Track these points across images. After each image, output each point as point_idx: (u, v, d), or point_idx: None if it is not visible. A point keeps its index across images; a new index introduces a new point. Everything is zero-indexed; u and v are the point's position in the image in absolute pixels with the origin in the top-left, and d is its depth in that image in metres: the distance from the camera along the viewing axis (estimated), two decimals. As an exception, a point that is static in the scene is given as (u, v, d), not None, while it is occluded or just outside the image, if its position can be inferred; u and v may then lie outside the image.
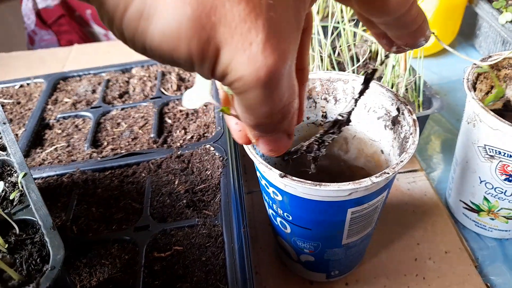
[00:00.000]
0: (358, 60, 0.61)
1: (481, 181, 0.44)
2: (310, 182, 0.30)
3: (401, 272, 0.46)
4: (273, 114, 0.20)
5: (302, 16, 0.20)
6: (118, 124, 0.58)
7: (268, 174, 0.33)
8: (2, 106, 0.64)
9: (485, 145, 0.41)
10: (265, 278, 0.46)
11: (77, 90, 0.66)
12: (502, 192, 0.43)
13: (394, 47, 0.29)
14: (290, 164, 0.35)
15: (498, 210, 0.45)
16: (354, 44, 0.62)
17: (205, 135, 0.54)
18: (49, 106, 0.63)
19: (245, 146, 0.32)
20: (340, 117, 0.32)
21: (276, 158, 0.35)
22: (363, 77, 0.34)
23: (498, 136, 0.39)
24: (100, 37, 1.32)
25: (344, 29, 0.57)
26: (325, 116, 0.43)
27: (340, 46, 0.59)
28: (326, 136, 0.32)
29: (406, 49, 0.29)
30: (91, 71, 0.70)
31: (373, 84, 0.38)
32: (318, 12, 0.67)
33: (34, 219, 0.31)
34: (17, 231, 0.31)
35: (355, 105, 0.32)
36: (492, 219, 0.47)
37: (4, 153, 0.36)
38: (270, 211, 0.40)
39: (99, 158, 0.52)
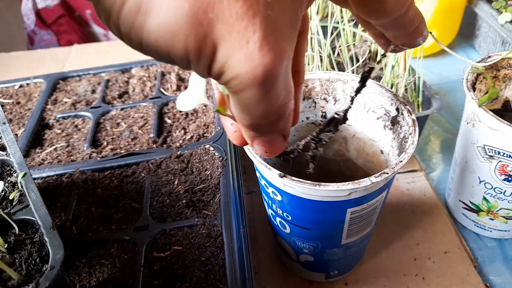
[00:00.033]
0: (357, 60, 0.62)
1: (480, 181, 0.44)
2: (309, 182, 0.30)
3: (400, 272, 0.46)
4: (269, 114, 0.20)
5: (299, 17, 0.20)
6: (118, 124, 0.58)
7: (268, 174, 0.33)
8: (2, 106, 0.64)
9: (484, 145, 0.41)
10: (264, 278, 0.46)
11: (77, 90, 0.66)
12: (501, 192, 0.43)
13: (392, 46, 0.29)
14: (290, 164, 0.35)
15: (498, 210, 0.45)
16: (354, 44, 0.62)
17: (205, 135, 0.54)
18: (48, 106, 0.63)
19: (244, 146, 0.32)
20: (336, 115, 0.32)
21: (275, 158, 0.35)
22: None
23: (497, 136, 0.39)
24: (99, 37, 1.32)
25: (343, 29, 0.57)
26: (324, 116, 0.43)
27: (339, 46, 0.59)
28: (322, 134, 0.32)
29: (404, 48, 0.29)
30: (91, 71, 0.70)
31: (372, 84, 0.38)
32: (317, 12, 0.67)
33: (34, 219, 0.31)
34: (17, 231, 0.31)
35: (352, 103, 0.32)
36: (492, 219, 0.47)
37: (3, 153, 0.36)
38: (269, 211, 0.40)
39: (98, 158, 0.52)
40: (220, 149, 0.50)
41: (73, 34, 1.26)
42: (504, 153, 0.40)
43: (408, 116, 0.35)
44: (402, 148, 0.35)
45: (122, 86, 0.66)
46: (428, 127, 0.66)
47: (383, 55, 0.30)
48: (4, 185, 0.34)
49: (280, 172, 0.31)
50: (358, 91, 0.32)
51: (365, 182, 0.30)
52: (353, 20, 0.58)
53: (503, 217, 0.46)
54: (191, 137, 0.54)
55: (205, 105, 0.59)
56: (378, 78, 0.59)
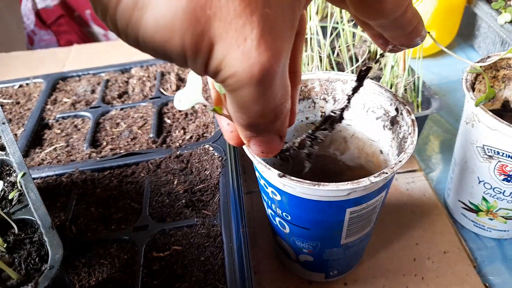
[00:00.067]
0: (357, 61, 0.62)
1: (479, 181, 0.44)
2: (308, 182, 0.30)
3: (400, 272, 0.46)
4: (266, 114, 0.20)
5: (297, 16, 0.19)
6: (117, 124, 0.58)
7: (267, 174, 0.33)
8: (2, 106, 0.64)
9: (483, 145, 0.41)
10: (264, 278, 0.46)
11: (76, 90, 0.66)
12: (500, 192, 0.43)
13: (390, 46, 0.29)
14: (289, 164, 0.35)
15: (497, 210, 0.45)
16: (353, 45, 0.62)
17: (204, 135, 0.54)
18: (48, 106, 0.63)
19: (244, 146, 0.32)
20: (332, 114, 0.32)
21: (274, 158, 0.35)
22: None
23: (497, 136, 0.39)
24: (99, 37, 1.32)
25: (343, 30, 0.57)
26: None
27: (339, 47, 0.59)
28: (318, 132, 0.32)
29: (402, 48, 0.29)
30: (90, 71, 0.70)
31: (372, 84, 0.38)
32: (317, 13, 0.67)
33: (33, 218, 0.31)
34: (16, 231, 0.31)
35: (348, 102, 0.32)
36: (491, 219, 0.47)
37: (3, 152, 0.36)
38: (269, 211, 0.40)
39: (98, 158, 0.52)
40: (220, 149, 0.50)
41: (73, 34, 1.26)
42: (503, 153, 0.40)
43: (408, 116, 0.35)
44: (401, 148, 0.35)
45: (121, 86, 0.66)
46: (427, 127, 0.66)
47: (381, 55, 0.31)
48: (4, 185, 0.34)
49: (280, 172, 0.31)
50: (355, 90, 0.32)
51: (364, 182, 0.30)
52: (352, 20, 0.58)
53: (502, 217, 0.46)
54: (191, 137, 0.54)
55: (205, 105, 0.59)
56: (378, 78, 0.59)
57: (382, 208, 0.38)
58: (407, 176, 0.57)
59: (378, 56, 0.31)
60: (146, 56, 0.71)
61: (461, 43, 0.84)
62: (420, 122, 0.55)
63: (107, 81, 0.67)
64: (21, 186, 0.33)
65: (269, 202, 0.38)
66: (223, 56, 0.17)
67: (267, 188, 0.36)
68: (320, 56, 0.56)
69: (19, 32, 1.33)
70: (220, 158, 0.49)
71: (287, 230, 0.39)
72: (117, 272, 0.39)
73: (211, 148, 0.50)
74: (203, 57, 0.17)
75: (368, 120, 0.41)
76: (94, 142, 0.55)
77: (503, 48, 0.70)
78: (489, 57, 0.44)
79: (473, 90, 0.44)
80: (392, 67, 0.55)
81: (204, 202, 0.45)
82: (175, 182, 0.47)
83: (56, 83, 0.68)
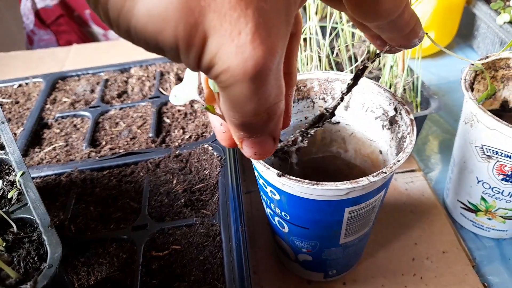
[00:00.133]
0: (356, 60, 0.62)
1: (478, 181, 0.44)
2: (307, 181, 0.30)
3: (398, 272, 0.46)
4: (259, 113, 0.20)
5: (292, 13, 0.19)
6: (117, 123, 0.58)
7: (266, 173, 0.33)
8: (1, 105, 0.64)
9: (482, 145, 0.41)
10: (263, 278, 0.46)
11: (76, 89, 0.66)
12: (499, 192, 0.43)
13: (387, 47, 0.29)
14: (288, 163, 0.35)
15: (496, 210, 0.45)
16: (352, 45, 0.62)
17: (203, 134, 0.54)
18: (47, 106, 0.63)
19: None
20: (325, 112, 0.32)
21: (273, 158, 0.35)
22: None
23: (496, 136, 0.39)
24: (99, 37, 1.32)
25: (342, 30, 0.57)
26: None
27: (338, 46, 0.59)
28: (310, 129, 0.32)
29: (400, 49, 0.29)
30: (90, 71, 0.70)
31: (371, 84, 0.39)
32: (316, 13, 0.67)
33: (32, 217, 0.31)
34: (15, 230, 0.31)
35: (342, 100, 0.32)
36: (490, 219, 0.47)
37: (2, 152, 0.36)
38: (268, 211, 0.40)
39: (97, 158, 0.52)
40: (219, 148, 0.50)
41: (72, 34, 1.26)
42: (502, 153, 0.40)
43: (406, 116, 0.35)
44: (400, 148, 0.35)
45: (121, 86, 0.66)
46: (426, 127, 0.66)
47: (378, 55, 0.31)
48: (3, 184, 0.34)
49: (279, 171, 0.31)
50: (350, 88, 0.32)
51: (363, 181, 0.30)
52: (351, 20, 0.58)
53: (501, 217, 0.46)
54: (190, 137, 0.54)
55: (200, 103, 0.59)
56: (377, 78, 0.59)
57: (381, 208, 0.38)
58: (406, 176, 0.57)
59: (375, 56, 0.31)
60: (146, 56, 0.71)
61: (460, 44, 0.84)
62: (419, 122, 0.56)
63: (107, 80, 0.67)
64: (20, 185, 0.33)
65: (268, 201, 0.38)
66: (217, 50, 0.17)
67: (266, 187, 0.36)
68: (319, 56, 0.56)
69: (18, 32, 1.33)
70: (219, 157, 0.49)
71: (286, 229, 0.39)
72: (116, 271, 0.39)
73: (210, 148, 0.50)
74: (196, 50, 0.17)
75: (367, 120, 0.41)
76: (93, 142, 0.55)
77: (502, 48, 0.70)
78: (488, 57, 0.44)
79: (472, 90, 0.44)
80: (391, 67, 0.55)
81: (203, 202, 0.45)
82: (174, 182, 0.47)
83: (55, 82, 0.68)
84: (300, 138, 0.32)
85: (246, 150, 0.23)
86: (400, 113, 0.36)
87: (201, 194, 0.46)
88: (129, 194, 0.47)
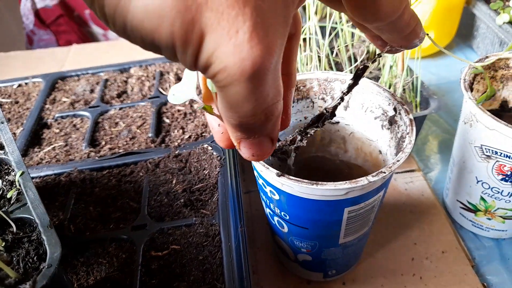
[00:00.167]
0: (355, 61, 0.62)
1: (477, 181, 0.44)
2: (307, 181, 0.30)
3: (398, 272, 0.46)
4: (257, 113, 0.19)
5: (290, 13, 0.19)
6: (116, 123, 0.58)
7: (265, 173, 0.33)
8: (1, 105, 0.64)
9: (481, 145, 0.41)
10: (262, 278, 0.46)
11: (75, 89, 0.66)
12: (498, 192, 0.43)
13: (388, 47, 0.29)
14: (287, 163, 0.35)
15: (495, 210, 0.45)
16: (352, 45, 0.62)
17: (203, 134, 0.54)
18: (47, 106, 0.63)
19: None
20: (325, 112, 0.32)
21: (273, 158, 0.35)
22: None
23: (495, 136, 0.39)
24: (99, 37, 1.32)
25: (342, 30, 0.57)
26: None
27: (338, 47, 0.59)
28: (309, 129, 0.32)
29: (400, 49, 0.29)
30: (89, 71, 0.70)
31: (370, 84, 0.39)
32: (316, 13, 0.67)
33: (31, 217, 0.31)
34: (14, 229, 0.31)
35: (342, 100, 0.32)
36: (489, 219, 0.47)
37: (1, 151, 0.36)
38: (267, 211, 0.40)
39: (97, 158, 0.52)
40: (218, 148, 0.50)
41: (72, 34, 1.26)
42: (501, 153, 0.40)
43: (406, 115, 0.35)
44: (399, 148, 0.35)
45: (120, 86, 0.66)
46: (426, 127, 0.66)
47: (379, 55, 0.31)
48: (2, 184, 0.34)
49: (278, 171, 0.31)
50: (350, 88, 0.32)
51: (362, 181, 0.30)
52: (351, 20, 0.58)
53: (501, 217, 0.46)
54: (189, 137, 0.54)
55: (201, 105, 0.59)
56: (376, 78, 0.59)
57: (380, 208, 0.38)
58: (406, 176, 0.57)
59: (375, 56, 0.31)
60: (145, 56, 0.71)
61: (459, 44, 0.84)
62: (419, 122, 0.56)
63: (106, 80, 0.67)
64: (19, 185, 0.33)
65: (268, 201, 0.38)
66: (214, 49, 0.16)
67: (265, 187, 0.36)
68: (318, 56, 0.56)
69: (18, 32, 1.33)
70: (219, 157, 0.49)
71: (286, 229, 0.39)
72: (116, 271, 0.39)
73: (209, 148, 0.50)
74: (193, 49, 0.17)
75: (366, 119, 0.41)
76: (93, 142, 0.55)
77: (502, 48, 0.70)
78: (487, 57, 0.44)
79: (471, 90, 0.44)
80: (391, 67, 0.55)
81: (203, 202, 0.45)
82: (174, 182, 0.47)
83: (55, 82, 0.68)
84: (299, 138, 0.32)
85: (244, 151, 0.23)
86: (400, 113, 0.36)
87: (201, 194, 0.46)
88: (129, 194, 0.47)
